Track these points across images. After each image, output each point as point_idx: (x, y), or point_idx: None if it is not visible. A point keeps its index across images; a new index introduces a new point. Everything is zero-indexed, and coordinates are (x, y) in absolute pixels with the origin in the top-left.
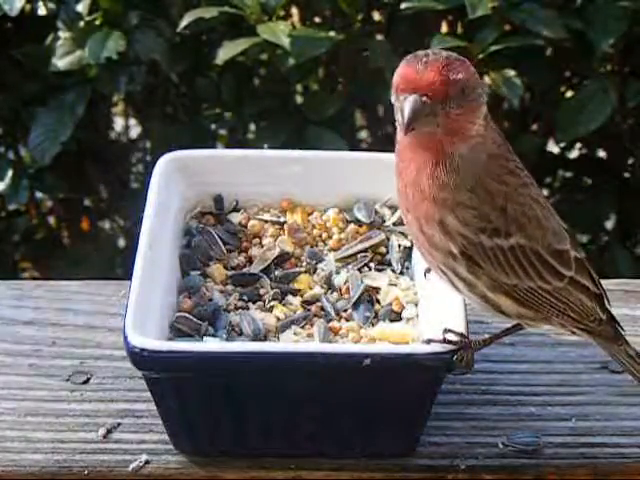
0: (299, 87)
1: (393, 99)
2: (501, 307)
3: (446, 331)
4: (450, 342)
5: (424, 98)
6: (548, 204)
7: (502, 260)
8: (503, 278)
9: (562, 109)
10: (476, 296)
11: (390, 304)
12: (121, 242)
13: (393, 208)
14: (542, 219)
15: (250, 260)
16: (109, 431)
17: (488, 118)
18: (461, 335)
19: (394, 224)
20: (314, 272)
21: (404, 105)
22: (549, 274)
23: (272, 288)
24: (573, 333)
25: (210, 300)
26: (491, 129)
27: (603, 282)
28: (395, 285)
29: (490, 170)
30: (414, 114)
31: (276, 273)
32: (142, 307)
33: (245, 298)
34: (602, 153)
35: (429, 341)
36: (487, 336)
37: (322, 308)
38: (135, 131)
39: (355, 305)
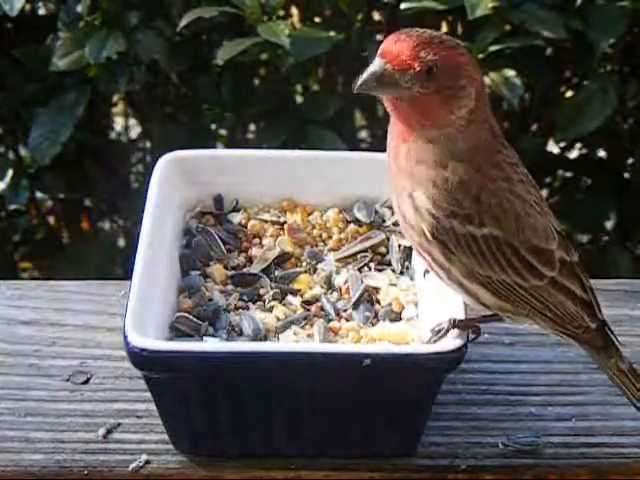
0: (299, 87)
1: None
2: (479, 298)
3: (434, 332)
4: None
5: (387, 65)
6: (540, 203)
7: (475, 249)
8: (476, 267)
9: (562, 109)
10: (453, 283)
11: (390, 304)
12: (121, 242)
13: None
14: (522, 214)
15: (250, 260)
16: (109, 431)
17: (479, 116)
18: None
19: (394, 224)
20: (314, 272)
21: (366, 70)
22: (526, 271)
23: (272, 288)
24: (558, 336)
25: (210, 300)
26: (480, 127)
27: (603, 282)
28: (395, 285)
29: (470, 159)
30: (372, 75)
31: (276, 273)
32: (142, 307)
33: (245, 298)
34: (602, 153)
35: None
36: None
37: (322, 308)
38: (135, 131)
39: (355, 305)
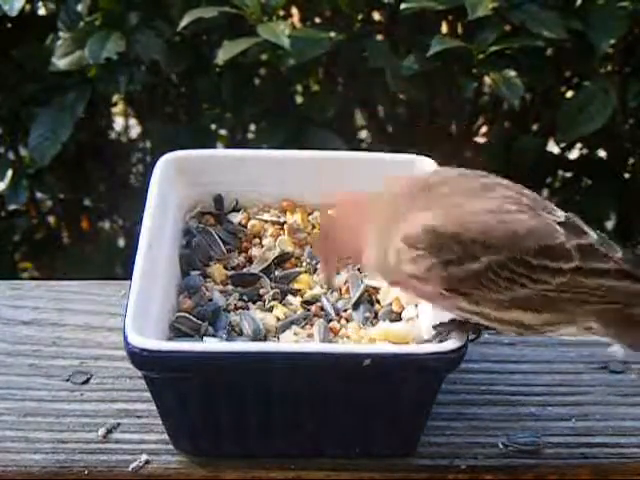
0: (299, 87)
1: None
2: (524, 322)
3: (437, 332)
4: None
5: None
6: (518, 202)
7: (485, 282)
8: (497, 296)
9: (563, 110)
10: (497, 323)
11: (390, 304)
12: (121, 242)
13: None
14: (508, 227)
15: (250, 260)
16: (109, 431)
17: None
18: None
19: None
20: (314, 272)
21: None
22: (543, 274)
23: (272, 288)
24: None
25: (210, 300)
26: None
27: None
28: None
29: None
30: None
31: (276, 273)
32: (142, 307)
33: (245, 298)
34: (602, 153)
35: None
36: None
37: (322, 308)
38: (135, 131)
39: (355, 305)
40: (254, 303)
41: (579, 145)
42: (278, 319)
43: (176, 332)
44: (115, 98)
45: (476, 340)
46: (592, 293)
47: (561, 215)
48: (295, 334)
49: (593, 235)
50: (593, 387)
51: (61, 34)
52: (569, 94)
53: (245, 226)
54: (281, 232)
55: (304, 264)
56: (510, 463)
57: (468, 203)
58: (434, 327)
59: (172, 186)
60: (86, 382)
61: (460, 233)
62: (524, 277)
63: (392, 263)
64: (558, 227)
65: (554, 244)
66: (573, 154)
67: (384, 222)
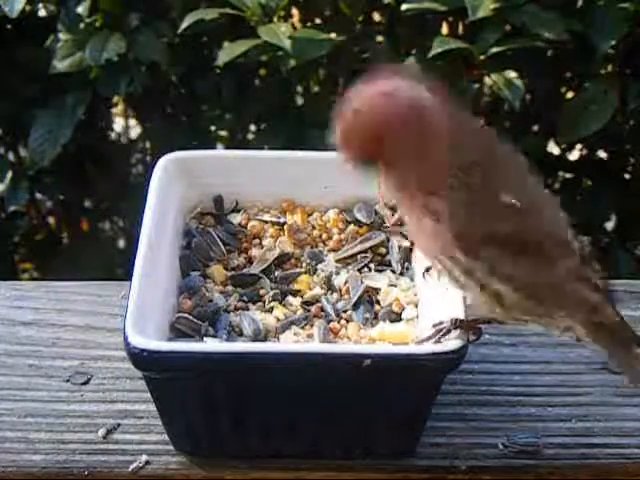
0: (300, 88)
1: None
2: (503, 297)
3: (436, 331)
4: (441, 329)
5: None
6: (545, 195)
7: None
8: (500, 267)
9: (563, 111)
10: (474, 284)
11: (390, 305)
12: (121, 243)
13: (393, 209)
14: (540, 208)
15: (250, 261)
16: (109, 432)
17: None
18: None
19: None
20: (314, 273)
21: None
22: (550, 263)
23: (272, 289)
24: (578, 340)
25: (210, 301)
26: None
27: None
28: (395, 286)
29: None
30: None
31: (276, 274)
32: (142, 308)
33: (245, 299)
34: (603, 154)
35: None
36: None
37: (322, 309)
38: (135, 131)
39: (355, 306)
40: (254, 304)
41: (579, 146)
42: (278, 320)
43: (176, 333)
44: (115, 99)
45: (476, 341)
46: (574, 301)
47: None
48: (295, 335)
49: (587, 245)
50: (593, 388)
51: (61, 35)
52: (570, 95)
53: (245, 227)
54: (281, 233)
55: (304, 265)
56: (510, 464)
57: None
58: (434, 325)
59: (172, 187)
60: (86, 383)
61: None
62: (534, 257)
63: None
64: (567, 226)
65: (565, 239)
66: (573, 155)
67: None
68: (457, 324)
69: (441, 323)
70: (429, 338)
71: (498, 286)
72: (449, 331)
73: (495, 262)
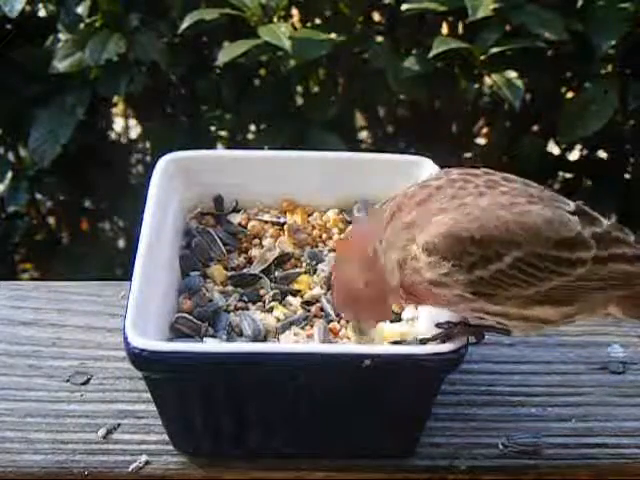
0: (299, 88)
1: None
2: (543, 318)
3: (443, 333)
4: (446, 330)
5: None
6: (542, 194)
7: (509, 280)
8: (522, 292)
9: (563, 111)
10: (517, 320)
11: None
12: (121, 243)
13: None
14: (525, 220)
15: (250, 261)
16: (109, 432)
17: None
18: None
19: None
20: (314, 273)
21: None
22: (564, 266)
23: (272, 289)
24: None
25: (210, 301)
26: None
27: None
28: None
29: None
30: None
31: (276, 274)
32: (142, 308)
33: (245, 299)
34: (603, 154)
35: (425, 341)
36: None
37: (322, 309)
38: (135, 131)
39: None
40: (254, 304)
41: (579, 146)
42: (278, 320)
43: (176, 333)
44: (115, 99)
45: (477, 344)
46: (611, 280)
47: (571, 204)
48: (295, 335)
49: (605, 221)
50: (593, 388)
51: (61, 35)
52: (569, 95)
53: (245, 227)
54: (281, 233)
55: (304, 265)
56: (510, 464)
57: (479, 201)
58: (437, 325)
59: (172, 187)
60: (86, 383)
61: (478, 234)
62: (547, 270)
63: (409, 272)
64: (571, 216)
65: (572, 235)
66: (573, 155)
67: (393, 236)
68: (464, 327)
69: (447, 324)
70: (435, 338)
71: (536, 311)
72: (456, 333)
73: (517, 291)
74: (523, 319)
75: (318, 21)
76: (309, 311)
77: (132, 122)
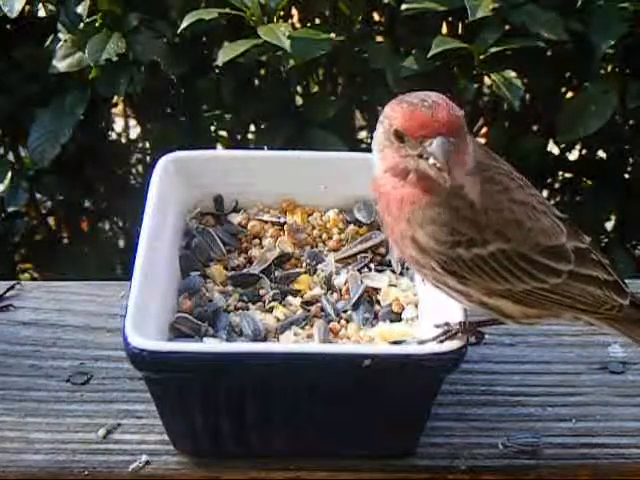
0: (299, 88)
1: (397, 143)
2: (503, 310)
3: (443, 332)
4: (447, 331)
5: (451, 139)
6: (540, 202)
7: (487, 268)
8: (493, 285)
9: (563, 111)
10: (475, 304)
11: (390, 305)
12: (121, 243)
13: None
14: (525, 220)
15: (250, 261)
16: (109, 432)
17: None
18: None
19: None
20: (314, 273)
21: (436, 151)
22: (543, 273)
23: (272, 289)
24: (591, 324)
25: (210, 301)
26: (473, 143)
27: None
28: (395, 286)
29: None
30: (449, 157)
31: (276, 274)
32: (142, 308)
33: (245, 299)
34: (603, 154)
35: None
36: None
37: (322, 309)
38: (135, 131)
39: (355, 306)
40: (254, 304)
41: (579, 146)
42: (278, 320)
43: (176, 333)
44: (115, 99)
45: (477, 345)
46: (579, 303)
47: (561, 216)
48: (295, 335)
49: (587, 238)
50: (593, 388)
51: (61, 35)
52: (569, 95)
53: (245, 227)
54: (281, 233)
55: (304, 265)
56: (510, 464)
57: (514, 193)
58: (437, 326)
59: (172, 187)
60: (86, 383)
61: (478, 217)
62: (525, 272)
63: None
64: (564, 228)
65: (557, 244)
66: (573, 155)
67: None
68: (463, 327)
69: (447, 325)
70: (434, 339)
71: (498, 302)
72: (456, 334)
73: (488, 283)
74: (482, 304)
75: (318, 21)
76: (309, 311)
77: (132, 122)
